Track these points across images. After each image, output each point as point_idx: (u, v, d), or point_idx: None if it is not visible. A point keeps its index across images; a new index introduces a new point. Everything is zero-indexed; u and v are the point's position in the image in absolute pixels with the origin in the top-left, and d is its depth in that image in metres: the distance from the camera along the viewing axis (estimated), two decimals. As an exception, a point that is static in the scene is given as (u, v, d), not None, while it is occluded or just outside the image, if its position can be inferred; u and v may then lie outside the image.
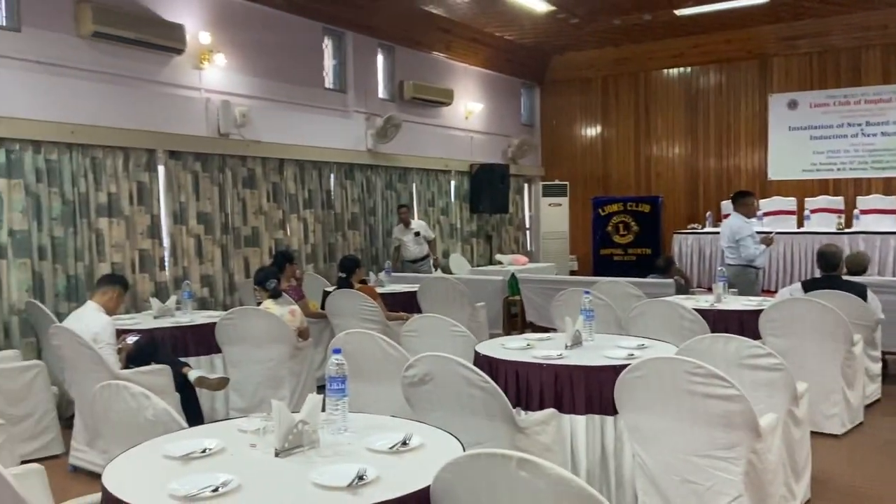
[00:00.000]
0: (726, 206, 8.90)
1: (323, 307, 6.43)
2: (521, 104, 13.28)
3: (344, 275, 6.49)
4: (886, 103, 10.55)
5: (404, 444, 2.29)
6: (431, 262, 9.43)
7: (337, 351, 2.50)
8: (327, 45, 9.38)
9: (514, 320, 8.41)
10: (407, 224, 9.40)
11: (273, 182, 8.29)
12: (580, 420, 3.51)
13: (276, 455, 2.23)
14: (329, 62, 9.44)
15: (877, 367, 5.56)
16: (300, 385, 5.03)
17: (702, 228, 10.98)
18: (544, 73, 13.27)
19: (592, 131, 13.07)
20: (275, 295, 5.20)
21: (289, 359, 4.97)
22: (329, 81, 9.40)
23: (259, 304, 5.20)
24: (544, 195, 12.89)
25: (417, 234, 9.34)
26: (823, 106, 10.98)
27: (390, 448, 2.27)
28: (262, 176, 8.15)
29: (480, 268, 10.77)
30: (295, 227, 8.56)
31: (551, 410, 3.39)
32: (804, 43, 11.03)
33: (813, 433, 3.89)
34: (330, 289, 6.71)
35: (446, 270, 9.71)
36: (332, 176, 9.12)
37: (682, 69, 12.18)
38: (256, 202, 8.07)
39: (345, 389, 2.47)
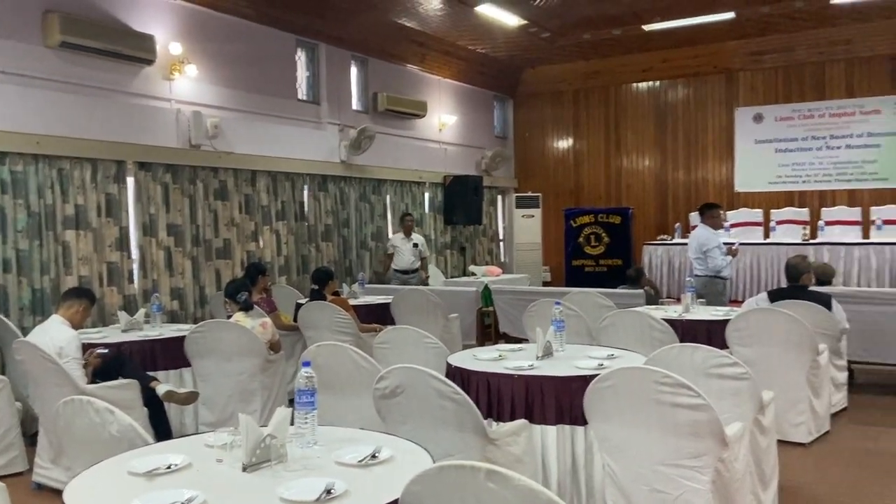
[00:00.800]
0: (695, 217, 9.03)
1: (296, 319, 6.40)
2: (494, 116, 13.37)
3: (317, 287, 6.47)
4: (850, 117, 10.80)
5: (373, 457, 2.29)
6: (421, 277, 9.49)
7: (306, 364, 2.49)
8: (300, 57, 9.37)
9: (488, 331, 8.44)
10: (409, 233, 9.48)
11: (245, 194, 8.24)
12: (551, 430, 3.53)
13: (244, 470, 2.21)
14: (302, 74, 9.43)
15: (842, 376, 5.65)
16: (271, 398, 4.99)
17: (671, 240, 11.11)
18: (517, 85, 13.38)
19: (564, 144, 13.19)
20: (246, 307, 5.15)
21: (260, 372, 4.93)
22: (302, 93, 9.38)
23: (229, 316, 5.16)
24: (517, 206, 12.97)
25: (416, 245, 9.42)
26: (788, 119, 11.20)
27: (359, 461, 2.27)
28: (235, 187, 8.10)
29: (454, 279, 10.79)
30: (268, 238, 8.51)
31: (522, 421, 3.40)
32: (769, 58, 11.26)
33: (780, 442, 3.92)
34: (303, 301, 6.67)
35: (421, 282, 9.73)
36: (305, 187, 9.08)
37: (651, 83, 12.36)
38: (228, 214, 8.01)
39: (314, 402, 2.46)
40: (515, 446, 3.21)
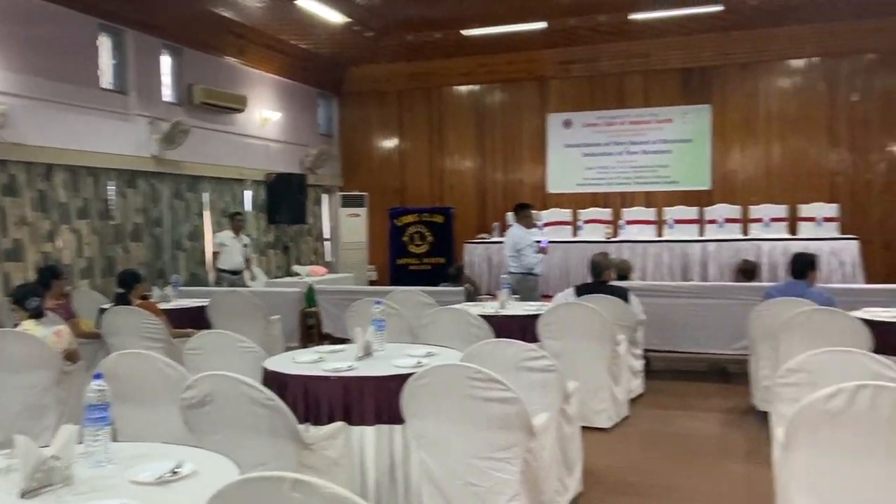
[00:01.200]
0: (511, 217, 9.43)
1: (99, 326, 5.92)
2: (318, 114, 13.18)
3: (122, 290, 6.02)
4: (646, 124, 11.80)
5: (174, 472, 2.15)
6: (248, 276, 9.33)
7: (98, 376, 2.30)
8: (103, 43, 8.68)
9: (311, 332, 8.30)
10: (238, 232, 9.28)
11: (39, 189, 7.52)
12: (369, 431, 3.51)
13: (22, 496, 2.00)
14: (106, 61, 8.75)
15: (639, 364, 6.15)
16: (67, 413, 4.57)
17: (489, 238, 11.50)
18: (341, 84, 13.28)
19: (389, 143, 13.28)
20: (37, 315, 4.68)
21: (54, 385, 4.50)
22: (106, 81, 8.70)
23: (17, 325, 4.67)
24: (343, 206, 12.88)
25: (246, 246, 9.29)
26: (593, 126, 12.04)
27: (157, 478, 2.12)
28: (27, 182, 7.37)
29: (277, 279, 10.52)
30: (67, 239, 7.82)
31: (339, 424, 3.37)
32: (577, 67, 12.03)
33: (584, 428, 4.16)
34: (106, 306, 6.19)
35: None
36: (110, 183, 8.44)
37: (471, 87, 12.76)
38: (19, 212, 7.28)
39: (107, 418, 2.27)
40: (332, 450, 3.17)
